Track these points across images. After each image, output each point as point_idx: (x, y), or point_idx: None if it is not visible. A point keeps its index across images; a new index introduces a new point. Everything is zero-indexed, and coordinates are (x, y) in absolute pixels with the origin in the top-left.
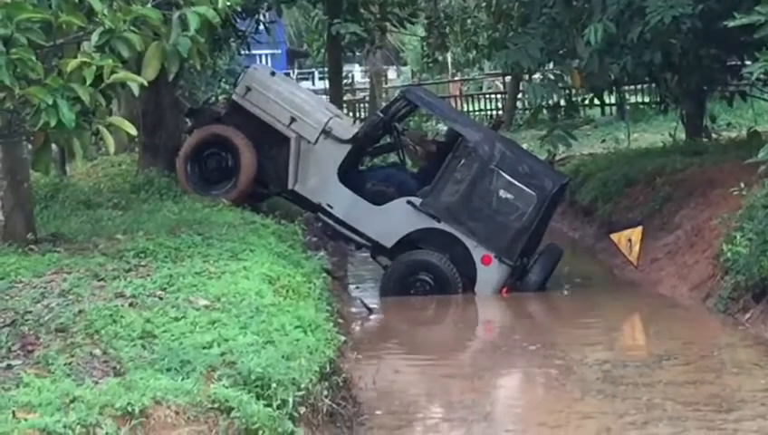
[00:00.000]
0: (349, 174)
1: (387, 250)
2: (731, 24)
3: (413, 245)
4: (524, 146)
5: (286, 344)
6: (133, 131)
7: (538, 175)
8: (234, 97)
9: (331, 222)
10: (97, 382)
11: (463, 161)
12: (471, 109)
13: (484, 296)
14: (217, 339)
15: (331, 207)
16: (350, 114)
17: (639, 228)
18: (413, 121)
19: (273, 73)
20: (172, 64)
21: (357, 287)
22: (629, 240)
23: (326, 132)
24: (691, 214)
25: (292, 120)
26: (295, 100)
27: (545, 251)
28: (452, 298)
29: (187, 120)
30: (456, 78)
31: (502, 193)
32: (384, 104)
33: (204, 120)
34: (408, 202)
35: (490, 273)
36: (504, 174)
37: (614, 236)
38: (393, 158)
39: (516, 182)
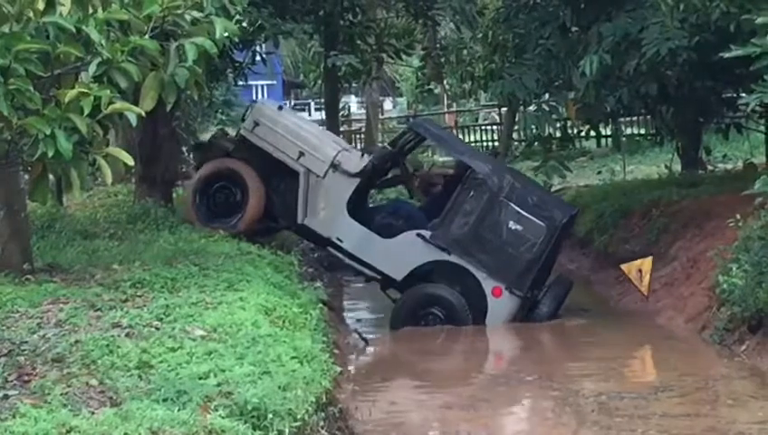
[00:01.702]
0: (357, 208)
1: (397, 283)
2: (727, 55)
3: (423, 277)
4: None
5: (282, 375)
6: (130, 162)
7: (547, 206)
8: (242, 132)
9: (340, 256)
10: (93, 413)
11: (472, 193)
12: (467, 140)
13: (481, 327)
14: (214, 369)
15: (341, 241)
16: None
17: (649, 259)
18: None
19: (280, 108)
20: (170, 95)
21: (358, 320)
22: (640, 271)
23: (335, 166)
24: (687, 245)
25: (301, 154)
26: (303, 134)
27: (555, 282)
28: (448, 329)
29: (194, 153)
30: (451, 109)
31: (511, 224)
32: (380, 135)
33: (212, 154)
34: (418, 235)
35: (501, 304)
36: (513, 205)
37: (624, 267)
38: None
39: (526, 213)
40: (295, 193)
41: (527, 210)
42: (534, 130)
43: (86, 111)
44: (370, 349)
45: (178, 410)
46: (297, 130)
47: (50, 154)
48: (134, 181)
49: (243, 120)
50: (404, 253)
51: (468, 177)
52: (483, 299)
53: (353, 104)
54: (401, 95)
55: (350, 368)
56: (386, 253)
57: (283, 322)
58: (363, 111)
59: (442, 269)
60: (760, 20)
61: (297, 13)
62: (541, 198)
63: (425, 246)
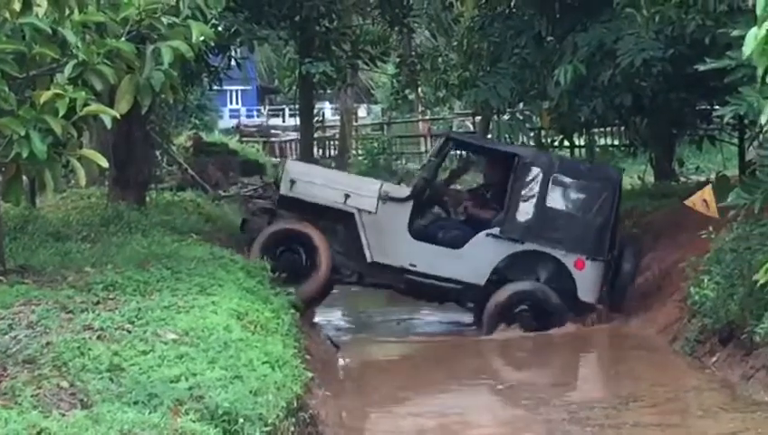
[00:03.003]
0: (416, 230)
1: (480, 289)
2: (702, 68)
3: (502, 280)
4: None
5: (254, 380)
6: (104, 164)
7: (599, 168)
8: (282, 193)
9: (419, 280)
10: (64, 415)
11: (526, 179)
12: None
13: (453, 336)
14: (185, 373)
15: (415, 266)
16: (321, 151)
17: (709, 187)
18: (382, 160)
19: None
20: (145, 98)
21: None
22: (704, 200)
23: (383, 198)
24: (659, 256)
25: (347, 196)
26: (340, 178)
27: (625, 240)
28: (420, 337)
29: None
30: (425, 117)
31: (573, 195)
32: (354, 142)
33: (260, 222)
34: (488, 234)
35: (587, 275)
36: (568, 178)
37: (689, 202)
38: None
39: (583, 181)
40: (355, 236)
41: (583, 178)
42: (508, 139)
43: (61, 113)
44: (342, 354)
45: (149, 413)
46: (333, 177)
47: (24, 155)
48: (107, 184)
49: (275, 184)
50: (479, 256)
51: (518, 165)
52: (568, 277)
53: (328, 110)
54: (376, 102)
55: (322, 373)
56: (462, 262)
57: (255, 326)
58: (338, 117)
59: (520, 261)
60: (735, 33)
61: (273, 18)
62: (588, 164)
63: (497, 243)
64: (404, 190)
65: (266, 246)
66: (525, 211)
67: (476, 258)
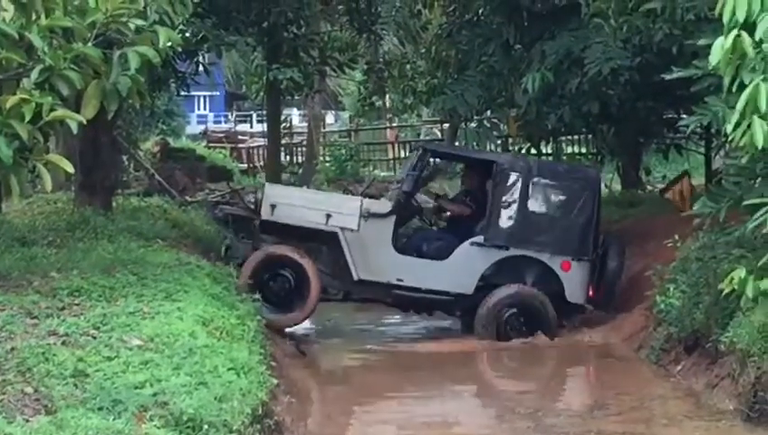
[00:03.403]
0: (401, 245)
1: (469, 298)
2: (668, 77)
3: (490, 286)
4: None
5: (219, 386)
6: (71, 169)
7: (578, 169)
8: (263, 217)
9: (407, 294)
10: (28, 420)
11: (506, 184)
12: (408, 156)
13: (420, 341)
14: (150, 379)
15: (402, 280)
16: (288, 158)
17: (686, 178)
18: (350, 166)
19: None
20: (111, 103)
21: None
22: (681, 192)
23: (365, 215)
24: (626, 265)
25: (328, 216)
26: (319, 198)
27: (608, 239)
28: (385, 344)
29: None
30: (393, 124)
31: (553, 197)
32: (321, 149)
33: (244, 247)
34: (472, 243)
35: (574, 276)
36: (548, 180)
37: (669, 196)
38: None
39: (562, 182)
40: (339, 255)
41: (562, 179)
42: (475, 147)
43: (27, 118)
44: (308, 361)
45: (113, 419)
46: (313, 197)
47: None
48: (74, 189)
49: (255, 210)
50: (466, 266)
51: (496, 171)
52: (555, 279)
53: (295, 117)
54: (344, 109)
55: (287, 380)
56: (449, 273)
57: (221, 333)
58: (305, 123)
59: (507, 267)
60: (701, 42)
61: (240, 24)
62: (565, 166)
63: (482, 251)
64: (385, 205)
65: (255, 271)
66: (508, 217)
67: (463, 268)
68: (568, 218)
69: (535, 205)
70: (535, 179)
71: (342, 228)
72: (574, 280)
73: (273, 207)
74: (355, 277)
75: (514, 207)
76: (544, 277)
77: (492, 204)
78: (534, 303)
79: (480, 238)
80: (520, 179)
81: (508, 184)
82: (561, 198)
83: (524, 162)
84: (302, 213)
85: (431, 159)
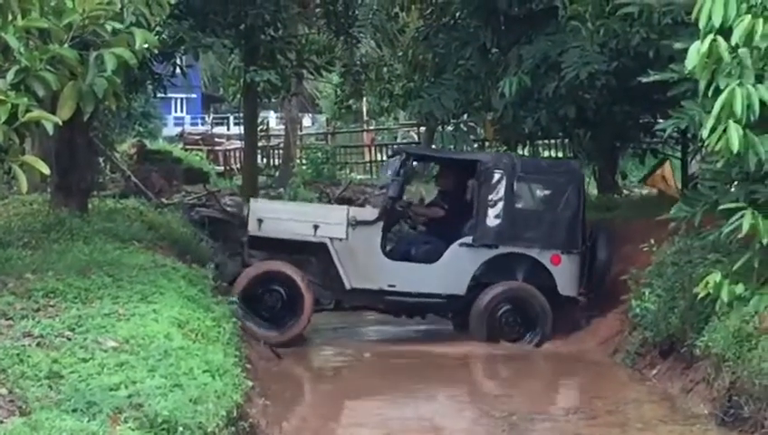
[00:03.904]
0: (390, 250)
1: (461, 298)
2: (645, 80)
3: (482, 286)
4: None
5: (194, 388)
6: (46, 171)
7: (560, 163)
8: (251, 233)
9: (400, 299)
10: (2, 422)
11: (491, 183)
12: (384, 159)
13: (395, 343)
14: (125, 381)
15: (394, 286)
16: (265, 160)
17: (667, 163)
18: (326, 169)
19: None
20: (87, 104)
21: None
22: (663, 177)
23: (352, 223)
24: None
25: (316, 227)
26: (305, 209)
27: (596, 230)
28: (360, 345)
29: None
30: (370, 127)
31: (539, 193)
32: (298, 152)
33: (235, 265)
34: (461, 244)
35: (564, 269)
36: (532, 175)
37: (649, 182)
38: None
39: (546, 177)
40: (329, 265)
41: (546, 174)
42: (453, 150)
43: (2, 119)
44: (283, 363)
45: (88, 420)
46: (299, 209)
47: None
48: (50, 191)
49: (245, 225)
50: (456, 267)
51: (480, 170)
52: (546, 274)
53: (272, 120)
54: (321, 112)
55: (263, 383)
56: (440, 275)
57: (196, 335)
58: (282, 126)
59: (497, 265)
60: (678, 46)
61: (218, 26)
62: (548, 161)
63: (472, 252)
64: (371, 212)
65: (246, 288)
66: (495, 215)
67: (454, 270)
68: (554, 213)
69: (521, 201)
70: (519, 176)
71: (331, 238)
72: (565, 273)
73: (260, 221)
74: (347, 286)
75: (500, 205)
76: (535, 273)
77: (478, 204)
78: (528, 298)
79: (468, 239)
80: (504, 177)
81: (493, 183)
82: (547, 192)
83: (508, 160)
84: (290, 226)
85: (414, 163)
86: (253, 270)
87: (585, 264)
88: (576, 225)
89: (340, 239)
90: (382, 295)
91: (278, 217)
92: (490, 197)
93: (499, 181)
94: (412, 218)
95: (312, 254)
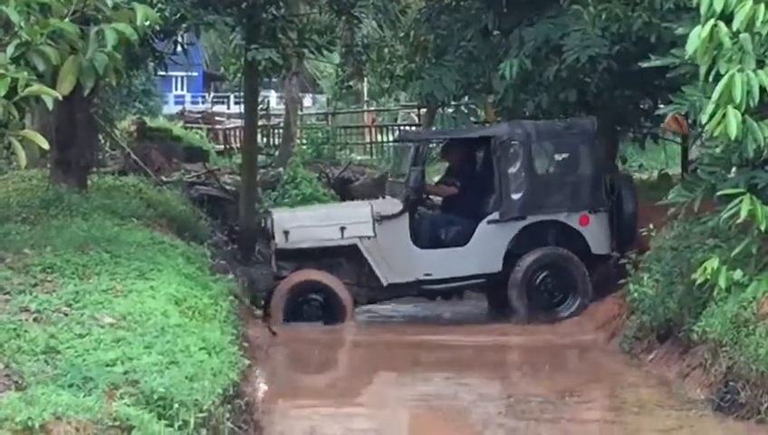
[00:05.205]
0: (420, 239)
1: (499, 274)
2: (645, 65)
3: (516, 257)
4: (436, 178)
5: (190, 365)
6: (46, 145)
7: (573, 123)
8: (279, 247)
9: (437, 287)
10: None
11: (509, 155)
12: (385, 140)
13: (394, 321)
14: (121, 357)
15: (430, 274)
16: (265, 139)
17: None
18: (326, 149)
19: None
20: (87, 80)
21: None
22: (676, 120)
23: (377, 219)
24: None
25: (342, 229)
26: (329, 212)
27: (617, 181)
28: (356, 324)
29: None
30: (370, 108)
31: (557, 156)
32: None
33: (266, 278)
34: (489, 222)
35: (594, 228)
36: (548, 141)
37: (663, 126)
38: None
39: (562, 139)
40: (362, 264)
41: (561, 138)
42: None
43: (2, 93)
44: (279, 342)
45: (84, 396)
46: (322, 213)
47: None
48: (49, 166)
49: (272, 237)
50: (488, 245)
51: (496, 145)
52: (578, 235)
53: (273, 99)
54: (321, 92)
55: (259, 361)
56: (474, 256)
57: (193, 312)
58: (283, 106)
59: (528, 236)
60: (679, 30)
61: (219, 4)
62: (561, 123)
63: (501, 227)
64: (395, 205)
65: (288, 300)
66: (517, 187)
67: (486, 248)
68: (575, 174)
69: (541, 168)
70: (536, 143)
71: (360, 238)
72: (595, 232)
73: (286, 233)
74: (384, 283)
75: (522, 176)
76: (566, 237)
77: (499, 178)
78: (563, 261)
79: (495, 215)
80: (521, 148)
81: (510, 155)
82: (564, 155)
83: (522, 129)
84: (317, 232)
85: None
86: (286, 284)
87: (613, 219)
88: (598, 182)
89: (369, 237)
90: (419, 285)
91: (303, 224)
92: (510, 169)
93: (517, 152)
94: (429, 199)
95: (341, 256)
